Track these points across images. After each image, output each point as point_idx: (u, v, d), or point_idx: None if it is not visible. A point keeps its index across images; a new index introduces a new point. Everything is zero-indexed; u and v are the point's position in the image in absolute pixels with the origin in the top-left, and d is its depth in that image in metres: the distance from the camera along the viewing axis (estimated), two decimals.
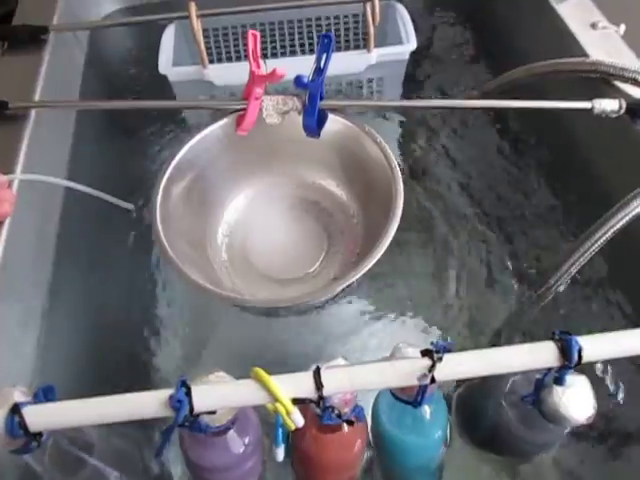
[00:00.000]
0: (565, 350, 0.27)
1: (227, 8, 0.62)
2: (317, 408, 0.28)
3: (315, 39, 0.71)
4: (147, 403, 0.26)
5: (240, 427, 0.33)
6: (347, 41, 0.72)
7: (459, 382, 0.43)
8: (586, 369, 0.29)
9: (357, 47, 0.72)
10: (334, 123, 0.51)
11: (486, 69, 0.71)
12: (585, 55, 0.55)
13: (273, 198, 0.58)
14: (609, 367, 0.46)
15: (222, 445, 0.33)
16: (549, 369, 0.29)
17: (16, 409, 0.26)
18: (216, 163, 0.54)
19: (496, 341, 0.50)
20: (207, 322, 0.53)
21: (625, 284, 0.51)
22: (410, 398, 0.31)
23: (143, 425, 0.36)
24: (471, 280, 0.54)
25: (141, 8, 0.76)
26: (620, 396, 0.45)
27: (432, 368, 0.26)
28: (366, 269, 0.42)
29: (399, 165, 0.48)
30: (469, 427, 0.41)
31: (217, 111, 0.53)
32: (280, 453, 0.32)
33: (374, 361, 0.28)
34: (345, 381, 0.27)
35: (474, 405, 0.41)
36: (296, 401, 0.26)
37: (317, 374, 0.26)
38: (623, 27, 0.56)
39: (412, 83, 0.69)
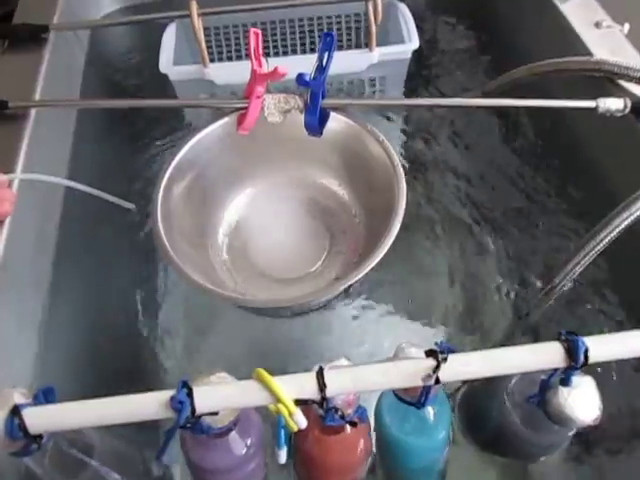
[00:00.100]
0: (571, 351, 0.27)
1: (228, 7, 0.62)
2: (320, 409, 0.28)
3: (316, 38, 0.71)
4: (148, 404, 0.26)
5: (242, 428, 0.33)
6: (349, 40, 0.72)
7: (462, 382, 0.43)
8: (591, 370, 0.29)
9: (359, 46, 0.72)
10: (336, 122, 0.51)
11: (488, 68, 0.71)
12: (589, 54, 0.55)
13: (274, 197, 0.58)
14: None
15: (224, 447, 0.33)
16: (555, 370, 0.29)
17: (16, 411, 0.25)
18: (217, 162, 0.53)
19: (500, 341, 0.49)
20: (208, 322, 0.52)
21: (631, 284, 0.50)
22: (413, 399, 0.30)
23: (144, 427, 0.36)
24: (474, 280, 0.53)
25: (142, 7, 0.76)
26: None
27: (437, 369, 0.26)
28: (368, 269, 0.42)
29: (401, 164, 0.48)
30: (473, 428, 0.41)
31: (218, 110, 0.53)
32: (282, 455, 0.32)
33: (377, 361, 0.28)
34: (348, 382, 0.27)
35: (478, 406, 0.41)
36: (299, 402, 0.26)
37: (320, 375, 0.26)
38: (627, 26, 0.56)
39: (414, 82, 0.69)
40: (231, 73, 0.61)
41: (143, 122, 0.67)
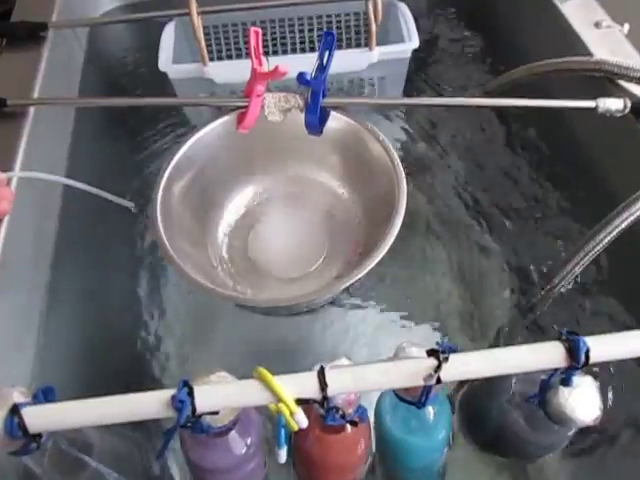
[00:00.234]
0: (572, 351, 0.27)
1: (227, 5, 0.62)
2: (321, 409, 0.28)
3: (316, 37, 0.71)
4: (149, 403, 0.26)
5: (242, 428, 0.33)
6: (349, 39, 0.72)
7: (462, 382, 0.43)
8: (591, 370, 0.29)
9: (359, 45, 0.71)
10: (336, 121, 0.51)
11: (488, 68, 0.71)
12: (589, 54, 0.55)
13: (274, 196, 0.58)
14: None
15: (224, 446, 0.33)
16: (555, 370, 0.28)
17: (15, 410, 0.25)
18: (217, 161, 0.53)
19: (500, 341, 0.49)
20: (208, 321, 0.52)
21: (631, 284, 0.50)
22: (414, 399, 0.30)
23: (143, 426, 0.36)
24: (475, 279, 0.53)
25: (141, 5, 0.75)
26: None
27: (438, 368, 0.26)
28: (368, 268, 0.42)
29: (401, 163, 0.48)
30: (473, 428, 0.41)
31: (218, 109, 0.52)
32: (282, 454, 0.32)
33: (379, 361, 0.28)
34: (350, 381, 0.26)
35: (478, 406, 0.41)
36: (300, 401, 0.26)
37: (321, 374, 0.26)
38: (627, 26, 0.56)
39: (414, 82, 0.69)
40: (231, 72, 0.61)
41: (142, 121, 0.67)
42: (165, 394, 0.26)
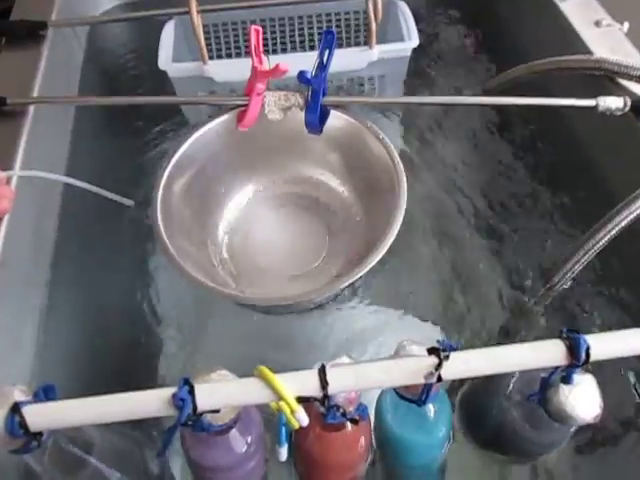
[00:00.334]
0: (573, 348, 0.27)
1: (227, 4, 0.62)
2: (322, 407, 0.28)
3: (316, 36, 0.71)
4: (149, 402, 0.26)
5: (242, 426, 0.33)
6: (349, 38, 0.72)
7: (463, 381, 0.43)
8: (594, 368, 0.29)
9: (358, 44, 0.71)
10: (336, 119, 0.51)
11: (488, 67, 0.71)
12: (589, 53, 0.55)
13: (274, 195, 0.58)
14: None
15: (224, 444, 0.33)
16: (556, 368, 0.29)
17: (16, 408, 0.25)
18: (217, 159, 0.53)
19: (500, 339, 0.50)
20: (208, 320, 0.52)
21: (630, 282, 0.50)
22: (414, 396, 0.30)
23: (144, 424, 0.36)
24: (474, 278, 0.53)
25: (140, 4, 0.75)
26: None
27: (439, 366, 0.26)
28: (369, 267, 0.42)
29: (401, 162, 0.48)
30: (473, 426, 0.41)
31: (217, 107, 0.52)
32: (283, 453, 0.32)
33: (380, 359, 0.28)
34: (351, 379, 0.26)
35: (478, 404, 0.41)
36: (300, 400, 0.26)
37: (322, 372, 0.26)
38: (627, 25, 0.56)
39: (414, 80, 0.68)
40: (230, 70, 0.61)
41: (142, 119, 0.67)
42: (166, 392, 0.26)
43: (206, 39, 0.59)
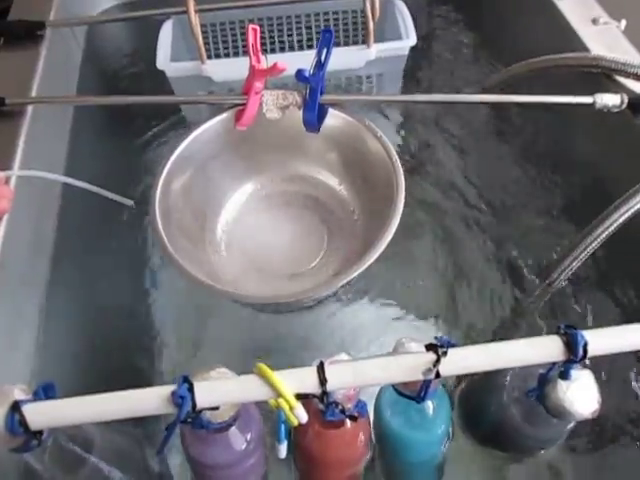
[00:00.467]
0: (570, 344, 0.27)
1: (225, 3, 0.62)
2: (320, 404, 0.28)
3: (314, 35, 0.71)
4: (149, 400, 0.26)
5: (242, 424, 0.33)
6: (346, 37, 0.72)
7: (461, 377, 0.43)
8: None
9: (356, 43, 0.71)
10: (334, 118, 0.51)
11: (486, 65, 0.71)
12: (586, 50, 0.55)
13: (272, 193, 0.58)
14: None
15: (224, 442, 0.33)
16: (553, 363, 0.29)
17: (16, 407, 0.25)
18: (215, 158, 0.53)
19: (499, 336, 0.50)
20: (207, 318, 0.52)
21: (628, 278, 0.51)
22: (413, 393, 0.30)
23: (143, 422, 0.36)
24: (473, 275, 0.53)
25: (138, 3, 0.75)
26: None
27: (437, 363, 0.26)
28: (367, 264, 0.42)
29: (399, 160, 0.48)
30: (472, 423, 0.41)
31: (216, 107, 0.52)
32: (282, 450, 0.32)
33: (378, 356, 0.28)
34: (349, 376, 0.27)
35: (476, 400, 0.41)
36: (299, 396, 0.26)
37: (321, 369, 0.26)
38: (624, 22, 0.56)
39: (411, 79, 0.69)
40: (229, 70, 0.61)
41: (140, 119, 0.67)
42: (165, 390, 0.26)
43: (204, 38, 0.60)
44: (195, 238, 0.51)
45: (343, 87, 0.65)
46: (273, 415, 0.29)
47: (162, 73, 0.60)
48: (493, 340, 0.36)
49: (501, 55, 0.70)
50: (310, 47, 0.71)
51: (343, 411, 0.30)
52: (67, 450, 0.31)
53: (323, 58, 0.46)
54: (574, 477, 0.43)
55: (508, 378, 0.36)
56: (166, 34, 0.63)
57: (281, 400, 0.26)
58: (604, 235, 0.43)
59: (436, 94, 0.66)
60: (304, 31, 0.70)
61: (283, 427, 0.31)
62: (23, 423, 0.25)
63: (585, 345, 0.27)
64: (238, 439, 0.33)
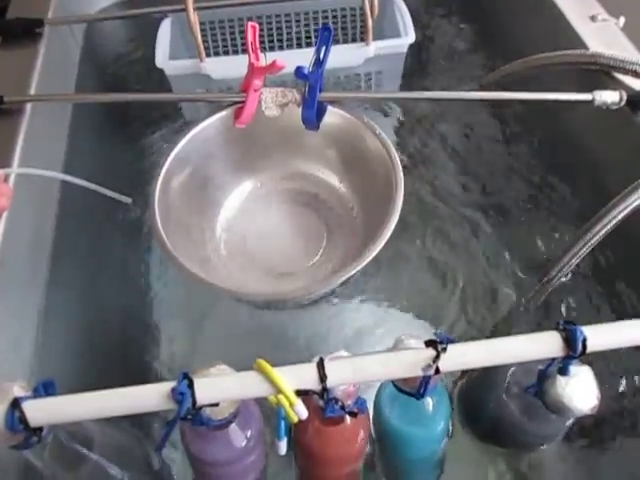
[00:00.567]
0: (569, 340, 0.27)
1: (224, 1, 0.62)
2: (320, 400, 0.28)
3: (312, 32, 0.71)
4: (149, 396, 0.26)
5: (242, 420, 0.33)
6: (345, 34, 0.72)
7: (461, 374, 0.43)
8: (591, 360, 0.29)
9: (355, 40, 0.71)
10: (333, 115, 0.51)
11: (485, 62, 0.71)
12: (585, 47, 0.55)
13: (272, 191, 0.58)
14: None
15: (224, 439, 0.33)
16: (552, 359, 0.29)
17: (16, 404, 0.25)
18: (214, 156, 0.53)
19: (498, 333, 0.50)
20: (206, 316, 0.52)
21: (627, 274, 0.51)
22: (413, 390, 0.31)
23: (143, 419, 0.36)
24: (472, 272, 0.54)
25: (137, 1, 0.75)
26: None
27: (436, 359, 0.26)
28: (366, 261, 0.42)
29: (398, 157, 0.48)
30: (471, 419, 0.41)
31: (215, 104, 0.52)
32: (282, 446, 0.32)
33: (378, 352, 0.28)
34: (349, 372, 0.27)
35: (476, 397, 0.41)
36: (299, 393, 0.26)
37: (321, 365, 0.26)
38: (622, 19, 0.56)
39: (410, 76, 0.68)
40: (227, 68, 0.61)
41: (139, 117, 0.67)
42: (165, 386, 0.26)
43: (203, 36, 0.60)
44: (194, 236, 0.51)
45: (342, 85, 0.65)
46: (273, 412, 0.29)
47: (161, 71, 0.60)
48: (493, 337, 0.36)
49: (499, 52, 0.70)
50: (309, 45, 0.71)
51: (343, 407, 0.31)
52: (67, 447, 0.31)
53: (322, 56, 0.46)
54: (573, 473, 0.43)
55: (507, 374, 0.36)
56: (165, 32, 0.63)
57: (281, 396, 0.26)
58: (602, 232, 0.43)
59: (435, 91, 0.66)
60: (303, 29, 0.70)
61: (283, 424, 0.31)
62: (23, 420, 0.25)
63: (584, 341, 0.27)
64: (238, 436, 0.33)
